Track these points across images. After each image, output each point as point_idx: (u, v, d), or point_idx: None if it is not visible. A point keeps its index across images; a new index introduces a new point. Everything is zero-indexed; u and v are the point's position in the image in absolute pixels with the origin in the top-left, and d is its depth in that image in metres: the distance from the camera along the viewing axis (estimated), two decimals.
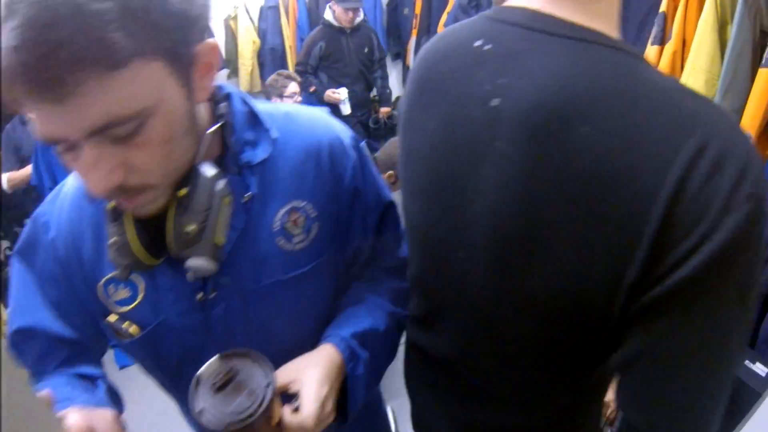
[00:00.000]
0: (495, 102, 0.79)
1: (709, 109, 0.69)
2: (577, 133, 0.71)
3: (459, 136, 0.85)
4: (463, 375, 1.04)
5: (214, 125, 0.97)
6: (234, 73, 6.58)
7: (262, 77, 6.41)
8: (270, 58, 6.35)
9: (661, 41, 3.52)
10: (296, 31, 6.32)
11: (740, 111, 3.19)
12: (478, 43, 0.84)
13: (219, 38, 6.26)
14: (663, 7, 3.52)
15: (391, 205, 1.26)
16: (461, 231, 0.89)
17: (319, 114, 1.17)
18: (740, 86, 3.16)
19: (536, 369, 0.91)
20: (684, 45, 3.43)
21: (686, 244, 0.66)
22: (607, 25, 0.79)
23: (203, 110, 0.97)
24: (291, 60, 6.33)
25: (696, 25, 3.37)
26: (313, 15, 6.34)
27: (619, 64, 0.73)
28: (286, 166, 1.06)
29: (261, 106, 1.09)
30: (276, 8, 6.25)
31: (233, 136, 1.01)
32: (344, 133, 1.16)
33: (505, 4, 0.85)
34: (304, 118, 1.14)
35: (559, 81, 0.73)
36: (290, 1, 6.27)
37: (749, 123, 3.13)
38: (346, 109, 4.98)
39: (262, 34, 6.38)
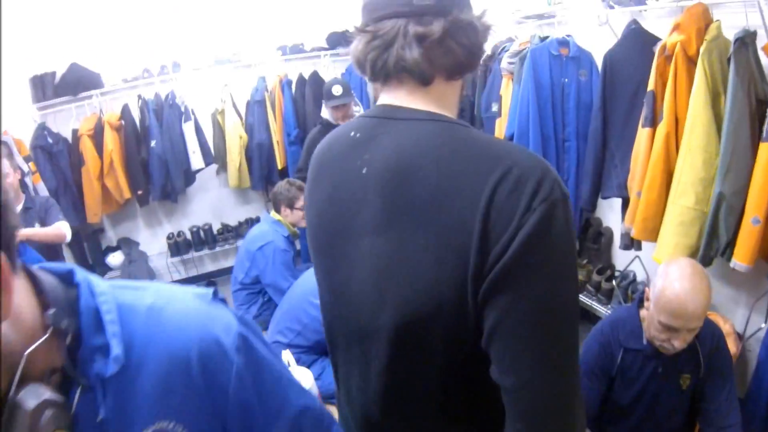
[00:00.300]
0: (364, 170, 1.13)
1: (514, 149, 1.02)
2: (416, 176, 1.03)
3: (342, 197, 1.19)
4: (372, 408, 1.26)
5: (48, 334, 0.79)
6: (222, 168, 6.67)
7: (251, 173, 6.53)
8: (257, 154, 6.41)
9: (653, 122, 3.35)
10: (283, 126, 6.40)
11: (744, 191, 2.90)
12: (352, 134, 1.21)
13: (207, 133, 6.41)
14: (651, 86, 3.36)
15: (305, 411, 1.01)
16: (351, 268, 1.18)
17: (195, 307, 0.93)
18: (741, 164, 2.98)
19: (434, 374, 1.13)
20: (677, 124, 3.21)
21: (504, 238, 0.94)
22: (441, 107, 1.14)
23: (28, 317, 0.77)
24: (279, 155, 6.43)
25: (687, 102, 3.14)
26: (299, 110, 6.42)
27: (445, 129, 1.07)
28: (147, 379, 0.85)
29: (119, 296, 0.88)
30: (262, 103, 6.34)
31: (80, 345, 0.81)
32: (227, 331, 0.91)
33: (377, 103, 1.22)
34: (172, 314, 0.90)
35: (401, 147, 1.08)
36: (276, 96, 6.35)
37: (755, 204, 2.88)
38: None
39: (249, 128, 6.46)
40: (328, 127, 4.53)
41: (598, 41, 4.11)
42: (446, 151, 1.03)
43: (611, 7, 3.89)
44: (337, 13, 6.51)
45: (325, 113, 4.87)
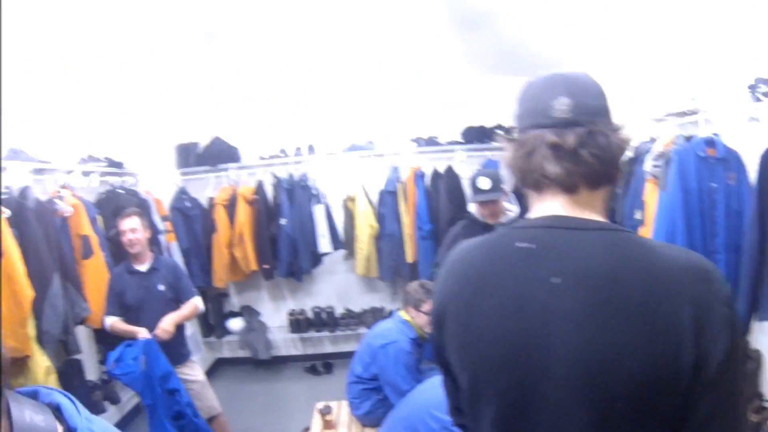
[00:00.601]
0: (556, 280, 1.12)
1: (695, 255, 1.15)
2: (622, 282, 1.08)
3: (527, 309, 1.15)
4: None
5: None
6: (351, 255, 6.60)
7: (379, 263, 6.39)
8: (388, 245, 6.28)
9: None
10: (415, 219, 6.20)
11: None
12: (524, 245, 1.18)
13: (337, 219, 6.47)
14: None
15: None
16: (543, 377, 1.15)
17: None
18: None
19: None
20: None
21: (718, 337, 1.04)
22: (596, 214, 1.21)
23: None
24: (409, 248, 6.23)
25: None
26: (432, 204, 6.21)
27: (625, 237, 1.15)
28: None
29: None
30: (395, 194, 6.27)
31: None
32: None
33: (530, 216, 1.25)
34: None
35: (595, 256, 1.12)
36: (409, 188, 6.26)
37: None
38: None
39: (380, 218, 6.36)
40: (474, 224, 4.08)
41: (747, 139, 3.77)
42: (641, 257, 1.11)
43: (759, 100, 3.57)
44: (473, 107, 6.56)
45: (473, 206, 4.23)
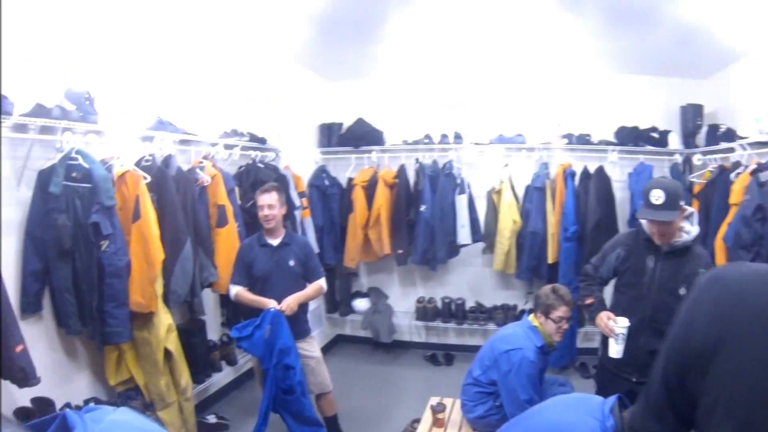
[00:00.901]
0: None
1: None
2: None
3: None
4: None
5: None
6: (489, 249, 6.42)
7: (518, 260, 6.16)
8: (529, 242, 6.03)
9: None
10: (561, 219, 5.91)
11: None
12: None
13: (480, 210, 6.32)
14: None
15: None
16: None
17: None
18: None
19: None
20: None
21: None
22: None
23: None
24: (551, 249, 5.93)
25: None
26: (580, 205, 5.90)
27: None
28: None
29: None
30: (542, 190, 6.02)
31: None
32: None
33: None
34: None
35: None
36: (558, 185, 5.99)
37: None
38: (615, 349, 3.19)
39: (524, 214, 6.14)
40: (641, 238, 3.38)
41: None
42: None
43: None
44: (627, 107, 6.21)
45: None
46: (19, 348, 2.93)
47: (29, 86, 3.42)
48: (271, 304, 3.97)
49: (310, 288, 4.28)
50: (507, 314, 6.46)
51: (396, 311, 6.94)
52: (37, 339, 3.55)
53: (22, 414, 3.32)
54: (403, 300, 7.06)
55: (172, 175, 4.08)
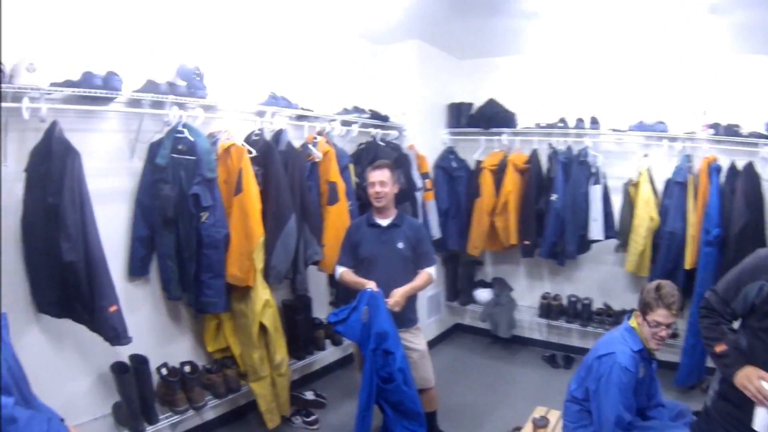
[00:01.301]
0: None
1: None
2: None
3: None
4: None
5: None
6: (623, 247, 5.85)
7: (653, 262, 5.55)
8: (666, 243, 5.40)
9: None
10: (703, 220, 5.20)
11: None
12: None
13: (615, 202, 5.79)
14: None
15: None
16: None
17: None
18: None
19: None
20: None
21: None
22: None
23: None
24: (690, 253, 5.27)
25: None
26: (726, 205, 5.15)
27: None
28: None
29: None
30: (684, 186, 5.36)
31: None
32: None
33: None
34: None
35: None
36: (702, 182, 5.29)
37: None
38: (760, 422, 2.43)
39: (663, 211, 5.51)
40: None
41: None
42: None
43: None
44: None
45: None
46: (113, 308, 3.07)
47: (143, 64, 3.64)
48: (370, 284, 3.80)
49: (419, 278, 4.03)
50: None
51: (519, 305, 6.64)
52: (143, 301, 3.84)
53: (118, 368, 3.53)
54: (527, 294, 6.73)
55: (281, 150, 4.08)
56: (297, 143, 4.40)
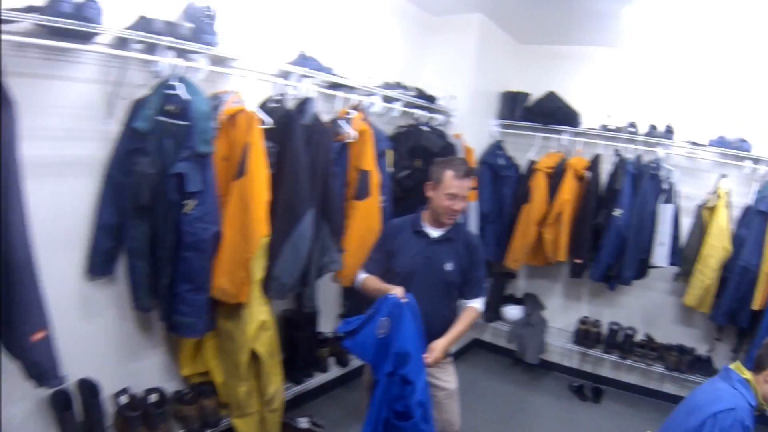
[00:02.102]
0: None
1: None
2: None
3: None
4: None
5: None
6: (684, 276, 4.87)
7: (718, 297, 4.62)
8: (737, 279, 4.51)
9: None
10: None
11: None
12: None
13: (684, 224, 4.87)
14: None
15: None
16: None
17: None
18: None
19: None
20: None
21: None
22: None
23: None
24: (761, 292, 4.39)
25: None
26: None
27: None
28: None
29: None
30: (766, 216, 4.45)
31: None
32: None
33: None
34: None
35: None
36: None
37: None
38: None
39: (737, 242, 4.61)
40: None
41: None
42: None
43: None
44: None
45: None
46: (38, 335, 2.04)
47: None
48: (396, 290, 2.76)
49: (465, 317, 3.01)
50: (682, 358, 5.03)
51: (551, 327, 5.66)
52: (104, 307, 2.83)
53: (59, 400, 2.57)
54: (561, 315, 5.75)
55: (304, 124, 3.02)
56: (326, 117, 3.36)
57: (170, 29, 2.54)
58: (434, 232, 2.99)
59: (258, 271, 2.77)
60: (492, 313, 5.70)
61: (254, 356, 2.96)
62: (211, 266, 2.66)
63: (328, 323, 4.19)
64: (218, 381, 3.08)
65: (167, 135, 2.50)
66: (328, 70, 3.45)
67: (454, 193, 2.87)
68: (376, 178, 3.50)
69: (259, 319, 2.86)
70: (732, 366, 2.66)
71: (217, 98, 2.80)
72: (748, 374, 2.59)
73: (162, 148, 2.49)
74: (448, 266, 2.96)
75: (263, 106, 2.98)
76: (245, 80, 3.02)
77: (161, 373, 3.15)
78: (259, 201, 2.67)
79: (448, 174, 2.88)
